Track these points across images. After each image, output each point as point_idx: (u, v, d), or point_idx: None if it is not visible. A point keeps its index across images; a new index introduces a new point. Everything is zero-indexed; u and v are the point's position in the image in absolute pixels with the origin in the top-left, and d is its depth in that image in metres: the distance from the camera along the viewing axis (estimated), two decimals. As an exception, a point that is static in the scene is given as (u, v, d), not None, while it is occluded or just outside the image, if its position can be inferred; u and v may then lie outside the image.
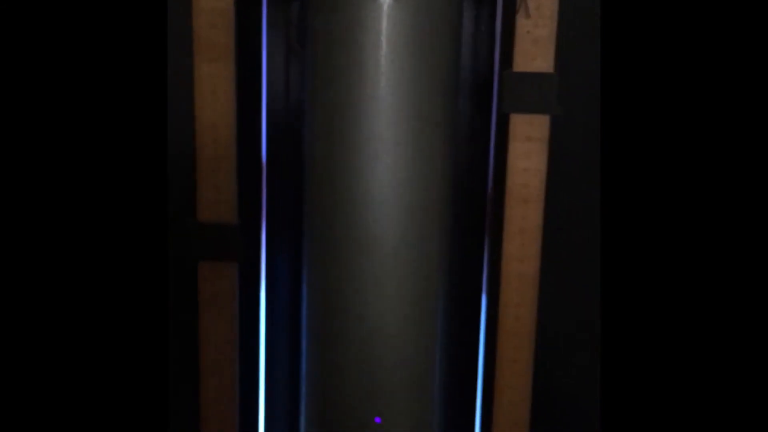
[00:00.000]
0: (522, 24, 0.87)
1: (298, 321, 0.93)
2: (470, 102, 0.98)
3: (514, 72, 0.89)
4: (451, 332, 0.94)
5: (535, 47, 0.88)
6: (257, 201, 0.97)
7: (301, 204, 0.90)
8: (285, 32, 0.95)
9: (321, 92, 0.85)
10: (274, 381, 1.03)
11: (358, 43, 0.82)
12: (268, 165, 0.97)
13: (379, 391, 0.88)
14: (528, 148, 0.90)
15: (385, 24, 0.81)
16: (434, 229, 0.87)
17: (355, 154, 0.84)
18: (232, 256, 0.93)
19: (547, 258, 0.93)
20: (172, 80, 0.85)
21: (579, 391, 1.00)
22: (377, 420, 0.89)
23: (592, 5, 0.90)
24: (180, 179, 0.92)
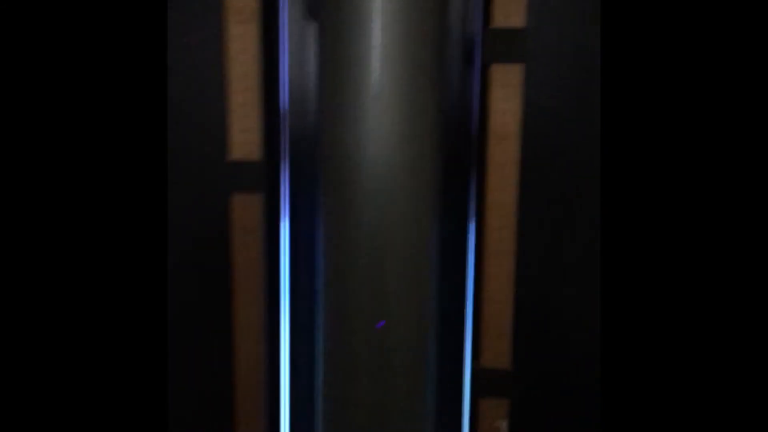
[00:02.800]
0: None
1: (315, 240, 1.09)
2: (460, 57, 1.14)
3: (492, 28, 1.05)
4: (444, 251, 1.10)
5: (510, 5, 1.04)
6: (279, 142, 1.14)
7: (317, 144, 1.06)
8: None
9: (331, 49, 1.02)
10: (295, 291, 1.20)
11: (359, 5, 0.98)
12: (289, 112, 1.14)
13: (388, 295, 1.04)
14: (505, 93, 1.06)
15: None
16: (429, 160, 1.03)
17: (361, 97, 1.00)
18: (258, 189, 1.12)
19: (523, 188, 1.10)
20: (206, 39, 1.03)
21: (561, 299, 1.15)
22: (380, 324, 1.05)
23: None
24: (213, 124, 1.09)
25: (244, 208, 1.11)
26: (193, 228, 1.12)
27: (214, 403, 1.16)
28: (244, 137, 1.08)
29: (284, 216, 1.14)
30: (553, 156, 1.08)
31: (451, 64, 1.12)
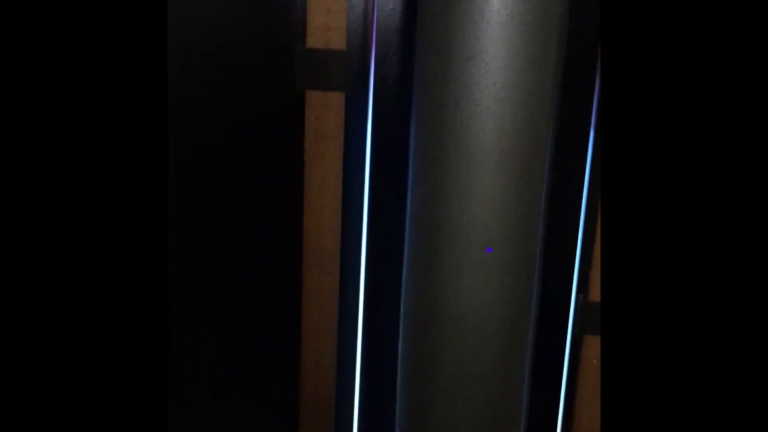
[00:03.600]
0: None
1: (406, 158, 0.93)
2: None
3: None
4: (559, 165, 0.93)
5: None
6: (370, 29, 0.96)
7: (412, 34, 0.88)
8: None
9: None
10: (375, 209, 1.04)
11: None
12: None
13: (496, 209, 0.88)
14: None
15: None
16: (546, 53, 0.86)
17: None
18: (341, 85, 0.94)
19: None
20: None
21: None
22: (488, 250, 0.90)
23: None
24: (287, 10, 0.91)
25: (323, 107, 0.93)
26: (257, 135, 0.95)
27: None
28: (325, 20, 0.90)
29: (368, 120, 0.97)
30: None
31: None
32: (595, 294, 1.01)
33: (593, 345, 1.04)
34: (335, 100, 0.94)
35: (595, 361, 1.06)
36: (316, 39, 0.91)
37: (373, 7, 0.94)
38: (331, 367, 1.05)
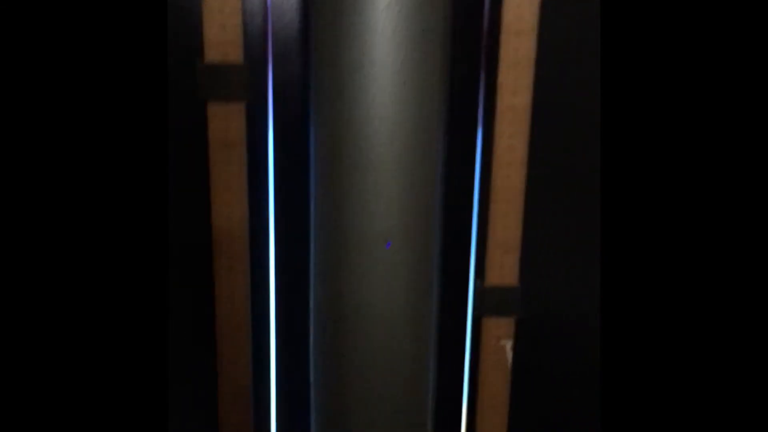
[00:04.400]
0: None
1: (307, 163, 0.98)
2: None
3: None
4: (450, 160, 0.99)
5: None
6: (265, 42, 1.00)
7: (307, 42, 0.93)
8: None
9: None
10: (281, 216, 1.09)
11: None
12: (274, 9, 0.99)
13: (390, 206, 0.93)
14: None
15: None
16: (435, 58, 0.92)
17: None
18: (240, 95, 0.98)
19: (538, 91, 0.99)
20: None
21: (570, 216, 1.08)
22: (387, 245, 0.96)
23: None
24: (185, 19, 0.94)
25: (225, 117, 0.97)
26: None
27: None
28: (222, 35, 0.93)
29: (269, 127, 1.01)
30: (576, 54, 0.98)
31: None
32: (491, 279, 1.09)
33: (492, 326, 1.11)
34: (236, 111, 0.98)
35: (502, 342, 1.13)
36: (213, 54, 0.95)
37: (268, 21, 0.98)
38: (247, 365, 1.10)
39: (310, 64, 0.92)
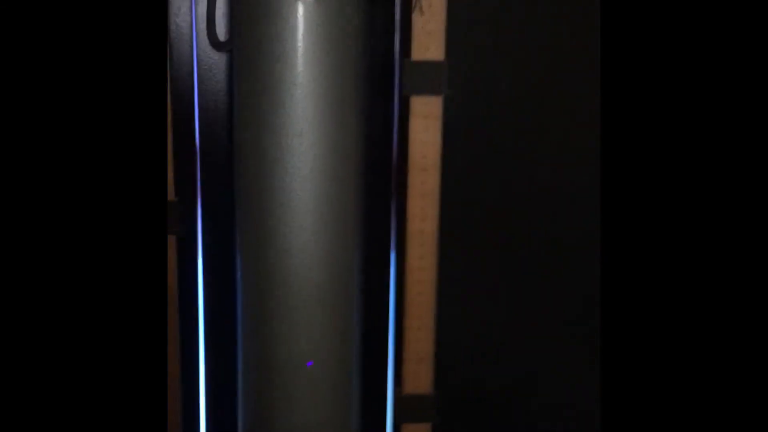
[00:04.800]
0: (417, 20, 1.03)
1: (233, 282, 1.06)
2: (376, 87, 1.13)
3: (412, 60, 1.05)
4: (366, 281, 1.09)
5: (429, 39, 1.04)
6: (193, 181, 1.09)
7: (232, 181, 1.02)
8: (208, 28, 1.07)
9: (246, 82, 0.98)
10: (212, 331, 1.15)
11: (280, 38, 0.94)
12: (201, 150, 1.09)
13: (311, 328, 1.02)
14: (426, 124, 1.07)
15: (302, 23, 0.94)
16: (350, 192, 1.02)
17: (280, 131, 0.97)
18: (172, 230, 1.06)
19: (444, 218, 1.11)
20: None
21: (480, 339, 1.19)
22: (309, 363, 1.04)
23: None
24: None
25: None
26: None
27: None
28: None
29: (199, 257, 1.09)
30: (474, 185, 1.10)
31: (372, 95, 1.10)
32: (409, 386, 1.18)
33: (411, 430, 1.20)
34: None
35: None
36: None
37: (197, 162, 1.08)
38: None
39: (236, 198, 1.01)
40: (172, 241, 1.05)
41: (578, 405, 1.21)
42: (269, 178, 0.98)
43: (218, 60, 1.09)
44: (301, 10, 0.94)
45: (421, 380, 1.16)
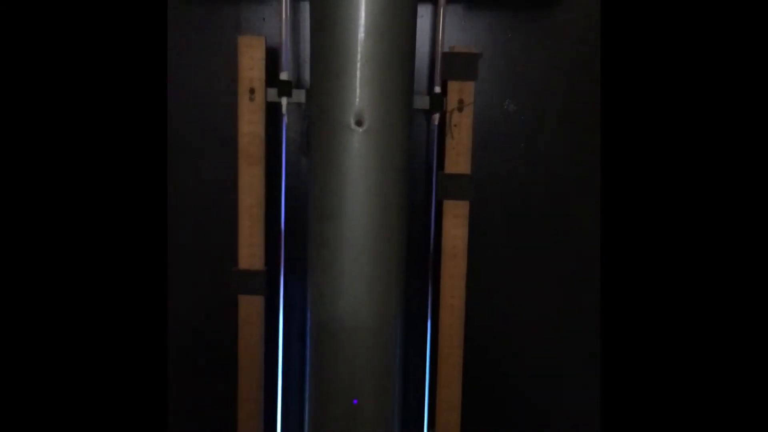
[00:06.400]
0: (449, 142, 1.35)
1: (305, 331, 1.38)
2: (420, 193, 1.45)
3: (445, 173, 1.36)
4: (406, 345, 1.39)
5: (458, 157, 1.35)
6: (278, 254, 1.44)
7: (306, 257, 1.36)
8: (300, 142, 1.43)
9: (317, 185, 1.32)
10: (288, 376, 1.49)
11: (340, 156, 1.28)
12: (285, 232, 1.44)
13: (361, 382, 1.32)
14: (455, 222, 1.37)
15: (357, 147, 1.27)
16: (396, 274, 1.32)
17: (342, 226, 1.29)
18: (261, 292, 1.41)
19: (470, 295, 1.39)
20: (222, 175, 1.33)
21: (503, 385, 1.44)
22: (354, 402, 1.34)
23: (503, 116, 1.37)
24: (228, 243, 1.40)
25: (249, 305, 1.40)
26: (212, 321, 1.41)
27: None
28: (251, 252, 1.38)
29: (280, 313, 1.44)
30: (496, 271, 1.38)
31: (415, 196, 1.42)
32: (441, 430, 1.44)
33: None
34: (256, 302, 1.41)
35: None
36: (245, 261, 1.39)
37: (282, 234, 1.43)
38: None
39: (308, 270, 1.35)
40: (259, 301, 1.40)
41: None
42: (331, 258, 1.31)
43: (303, 163, 1.44)
44: (356, 136, 1.28)
45: (451, 426, 1.43)
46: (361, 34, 1.21)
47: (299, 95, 1.38)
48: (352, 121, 1.22)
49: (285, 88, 1.35)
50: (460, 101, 1.32)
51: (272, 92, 1.36)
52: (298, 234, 1.44)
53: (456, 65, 1.34)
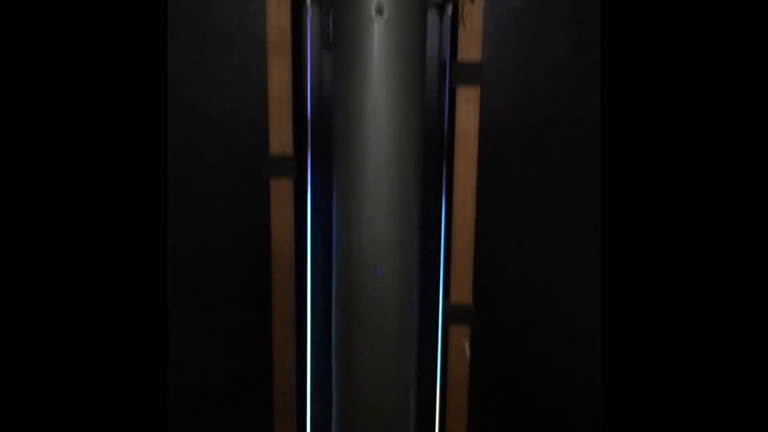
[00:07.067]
0: (461, 31, 1.46)
1: (331, 213, 1.52)
2: (434, 80, 1.57)
3: (458, 61, 1.47)
4: (423, 220, 1.53)
5: (469, 46, 1.46)
6: (305, 140, 1.57)
7: (332, 141, 1.49)
8: (321, 35, 1.54)
9: (341, 75, 1.44)
10: (315, 251, 1.63)
11: (362, 46, 1.40)
12: (311, 118, 1.57)
13: (382, 247, 1.46)
14: (467, 107, 1.49)
15: (378, 36, 1.39)
16: (414, 154, 1.45)
17: (363, 107, 1.42)
18: (290, 175, 1.54)
19: (480, 174, 1.53)
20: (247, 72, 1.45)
21: (508, 252, 1.59)
22: (378, 272, 1.49)
23: (509, 11, 1.48)
24: (257, 130, 1.52)
25: (279, 186, 1.54)
26: (243, 202, 1.55)
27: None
28: (280, 137, 1.51)
29: (308, 194, 1.58)
30: (503, 152, 1.52)
31: (430, 85, 1.54)
32: (455, 297, 1.60)
33: (455, 332, 1.62)
34: (286, 184, 1.54)
35: (462, 343, 1.62)
36: (276, 147, 1.52)
37: (308, 122, 1.56)
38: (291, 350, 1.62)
39: (334, 153, 1.48)
40: (289, 183, 1.54)
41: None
42: (355, 139, 1.44)
43: (326, 56, 1.56)
44: (376, 26, 1.39)
45: (464, 294, 1.58)
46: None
47: (321, -10, 1.48)
48: (373, 10, 1.33)
49: (309, -17, 1.46)
50: (472, -7, 1.43)
51: (297, -13, 1.46)
52: (323, 123, 1.56)
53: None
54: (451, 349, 1.61)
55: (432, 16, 1.55)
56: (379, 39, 1.37)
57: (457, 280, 1.57)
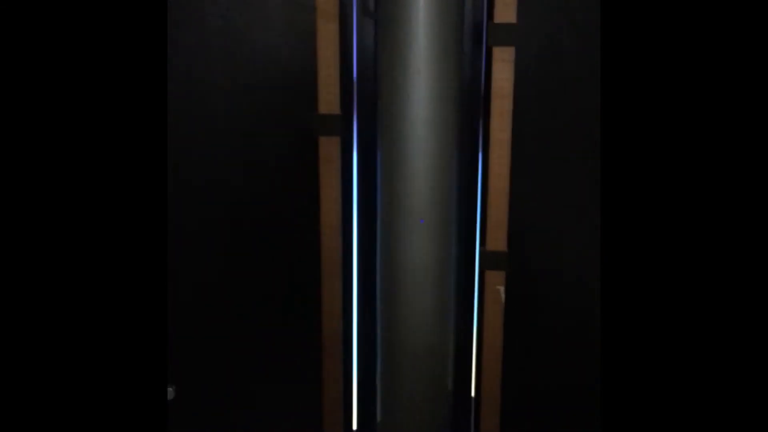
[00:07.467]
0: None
1: (374, 170, 1.64)
2: (471, 40, 1.67)
3: (494, 23, 1.57)
4: (461, 173, 1.64)
5: (505, 8, 1.56)
6: (351, 100, 1.68)
7: (376, 101, 1.60)
8: (363, 3, 1.63)
9: (385, 39, 1.54)
10: (360, 194, 1.75)
11: (406, 10, 1.50)
12: (357, 79, 1.67)
13: (424, 203, 1.59)
14: (503, 66, 1.59)
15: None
16: (452, 111, 1.57)
17: (407, 70, 1.53)
18: (337, 133, 1.66)
19: (515, 131, 1.63)
20: (299, 38, 1.55)
21: (539, 205, 1.70)
22: (421, 221, 1.61)
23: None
24: (307, 90, 1.63)
25: (328, 145, 1.65)
26: (293, 160, 1.67)
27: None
28: (328, 98, 1.62)
29: (354, 152, 1.69)
30: (537, 109, 1.62)
31: (467, 46, 1.64)
32: (491, 245, 1.72)
33: (491, 276, 1.73)
34: (334, 142, 1.65)
35: (497, 287, 1.74)
36: (324, 107, 1.63)
37: (354, 91, 1.66)
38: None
39: (378, 112, 1.59)
40: (336, 141, 1.65)
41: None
42: (399, 98, 1.56)
43: (368, 23, 1.66)
44: (420, -8, 1.50)
45: (499, 241, 1.70)
46: None
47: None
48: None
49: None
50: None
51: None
52: (367, 81, 1.67)
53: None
54: (487, 293, 1.72)
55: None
56: (420, 2, 1.48)
57: (492, 228, 1.68)
